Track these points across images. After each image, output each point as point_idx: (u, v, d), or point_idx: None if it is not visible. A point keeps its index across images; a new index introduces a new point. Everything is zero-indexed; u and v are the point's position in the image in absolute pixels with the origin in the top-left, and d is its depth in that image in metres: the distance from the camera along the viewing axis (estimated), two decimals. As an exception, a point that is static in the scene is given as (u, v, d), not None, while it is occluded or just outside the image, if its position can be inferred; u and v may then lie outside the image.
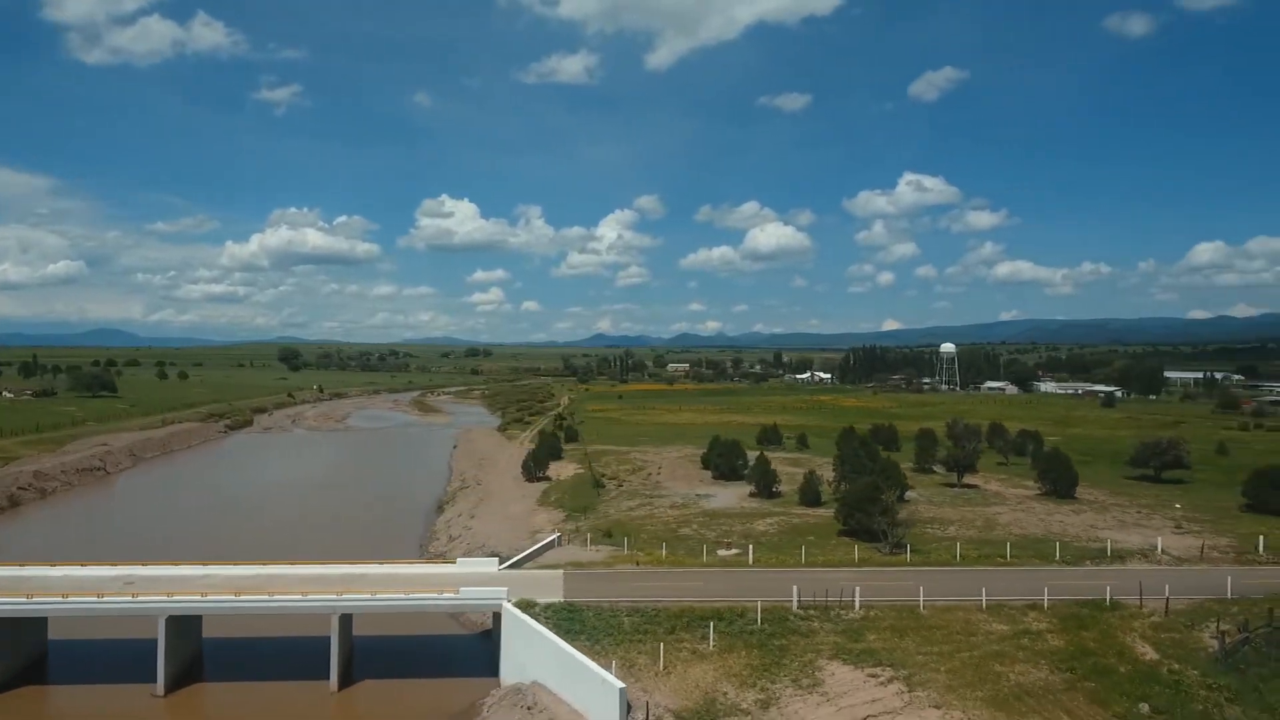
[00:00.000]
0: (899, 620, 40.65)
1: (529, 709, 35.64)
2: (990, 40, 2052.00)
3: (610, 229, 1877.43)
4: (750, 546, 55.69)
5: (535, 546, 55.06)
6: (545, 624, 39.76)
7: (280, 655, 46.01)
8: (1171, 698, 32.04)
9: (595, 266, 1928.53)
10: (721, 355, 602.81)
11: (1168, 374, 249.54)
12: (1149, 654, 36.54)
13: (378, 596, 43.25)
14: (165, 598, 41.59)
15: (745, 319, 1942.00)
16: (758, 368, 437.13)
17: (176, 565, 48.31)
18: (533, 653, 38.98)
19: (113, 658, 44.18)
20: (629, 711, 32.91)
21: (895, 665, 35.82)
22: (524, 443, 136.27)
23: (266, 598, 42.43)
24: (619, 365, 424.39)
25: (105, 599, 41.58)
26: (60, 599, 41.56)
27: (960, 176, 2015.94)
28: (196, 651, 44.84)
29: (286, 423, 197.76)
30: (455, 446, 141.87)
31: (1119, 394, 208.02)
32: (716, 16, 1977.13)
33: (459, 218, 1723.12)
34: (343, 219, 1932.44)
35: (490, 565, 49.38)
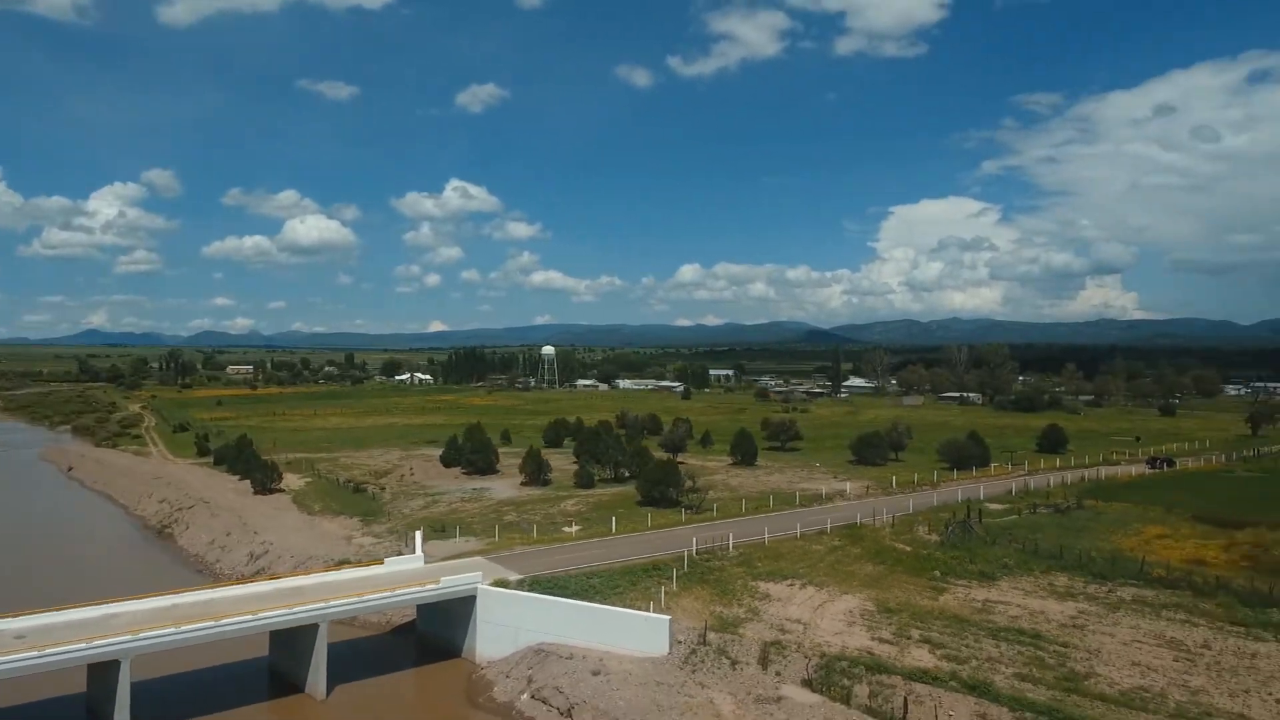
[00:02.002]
0: (762, 553, 56.70)
1: (566, 658, 42.65)
2: (529, 65, 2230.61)
3: (107, 204, 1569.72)
4: (577, 524, 66.62)
5: (419, 543, 57.89)
6: (543, 593, 46.41)
7: (224, 682, 43.38)
8: (940, 565, 53.66)
9: (85, 248, 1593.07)
10: (263, 356, 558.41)
11: (712, 373, 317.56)
12: (904, 547, 58.55)
13: (363, 599, 44.32)
14: (130, 636, 37.19)
15: (283, 317, 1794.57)
16: (330, 369, 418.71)
17: (62, 610, 40.97)
18: (536, 618, 45.22)
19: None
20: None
21: (793, 577, 51.67)
22: (168, 456, 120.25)
23: (251, 617, 40.58)
24: (170, 368, 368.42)
25: (41, 652, 35.44)
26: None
27: (502, 188, 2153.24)
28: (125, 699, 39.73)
29: None
30: (71, 469, 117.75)
31: (680, 388, 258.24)
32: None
33: None
34: None
35: (417, 561, 52.09)
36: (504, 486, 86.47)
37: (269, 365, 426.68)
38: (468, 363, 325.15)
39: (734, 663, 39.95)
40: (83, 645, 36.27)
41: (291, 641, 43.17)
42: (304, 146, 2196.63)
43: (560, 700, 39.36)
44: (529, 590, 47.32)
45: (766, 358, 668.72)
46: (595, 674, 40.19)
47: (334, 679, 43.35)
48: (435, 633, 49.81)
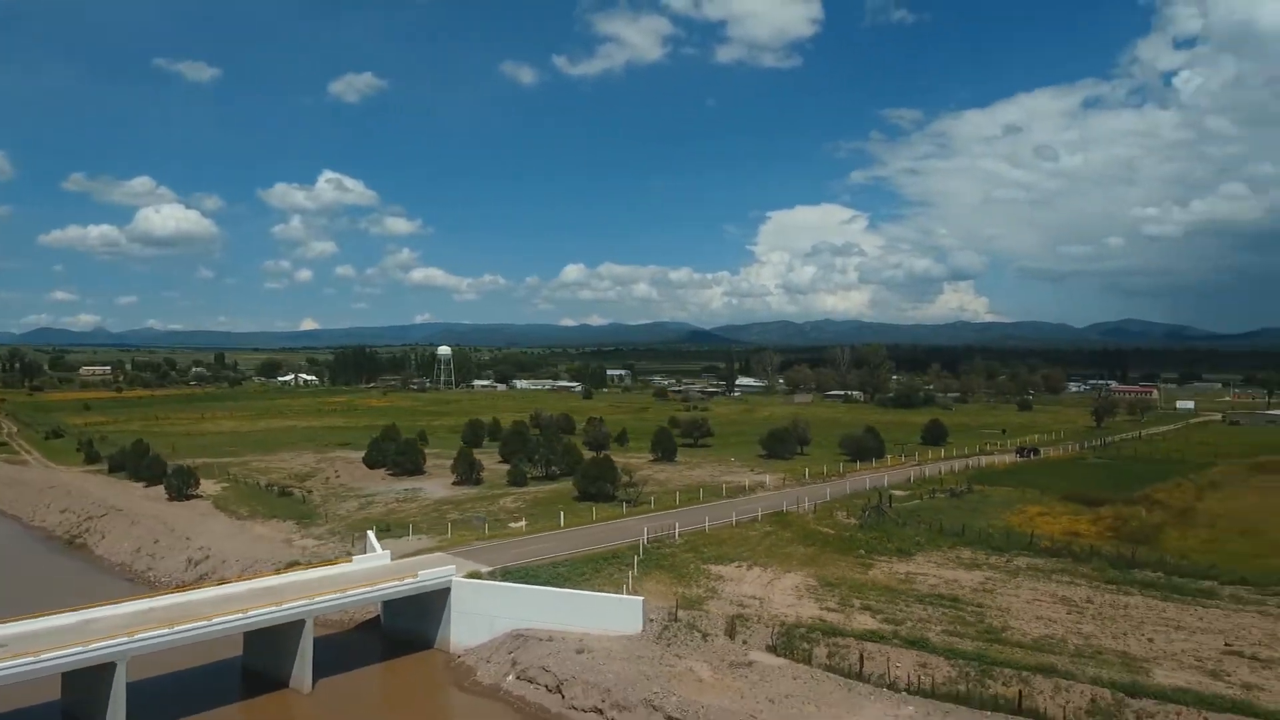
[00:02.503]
0: (705, 540, 61.52)
1: (546, 640, 45.79)
2: (410, 56, 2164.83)
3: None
4: (523, 519, 69.58)
5: (375, 542, 59.08)
6: (515, 582, 49.29)
7: (200, 682, 43.88)
8: (863, 545, 60.17)
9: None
10: (117, 355, 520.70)
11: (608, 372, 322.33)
12: (829, 530, 64.93)
13: (347, 594, 45.78)
14: (126, 638, 37.54)
15: (134, 313, 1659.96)
16: (199, 369, 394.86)
17: (36, 618, 40.31)
18: (512, 606, 48.04)
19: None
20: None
21: (739, 560, 56.73)
22: (49, 464, 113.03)
23: (241, 615, 41.46)
24: (13, 369, 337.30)
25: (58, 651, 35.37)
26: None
27: (379, 181, 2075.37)
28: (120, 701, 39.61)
29: None
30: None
31: (579, 388, 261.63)
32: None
33: None
34: None
35: (384, 558, 53.62)
36: (435, 486, 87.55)
37: (129, 366, 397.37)
38: (356, 363, 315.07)
39: (704, 635, 44.43)
40: (79, 648, 36.46)
41: (272, 639, 44.07)
42: (160, 130, 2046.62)
43: (548, 678, 42.51)
44: (501, 581, 50.07)
45: (652, 358, 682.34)
46: (579, 652, 43.62)
47: (315, 673, 44.74)
48: (403, 626, 51.48)
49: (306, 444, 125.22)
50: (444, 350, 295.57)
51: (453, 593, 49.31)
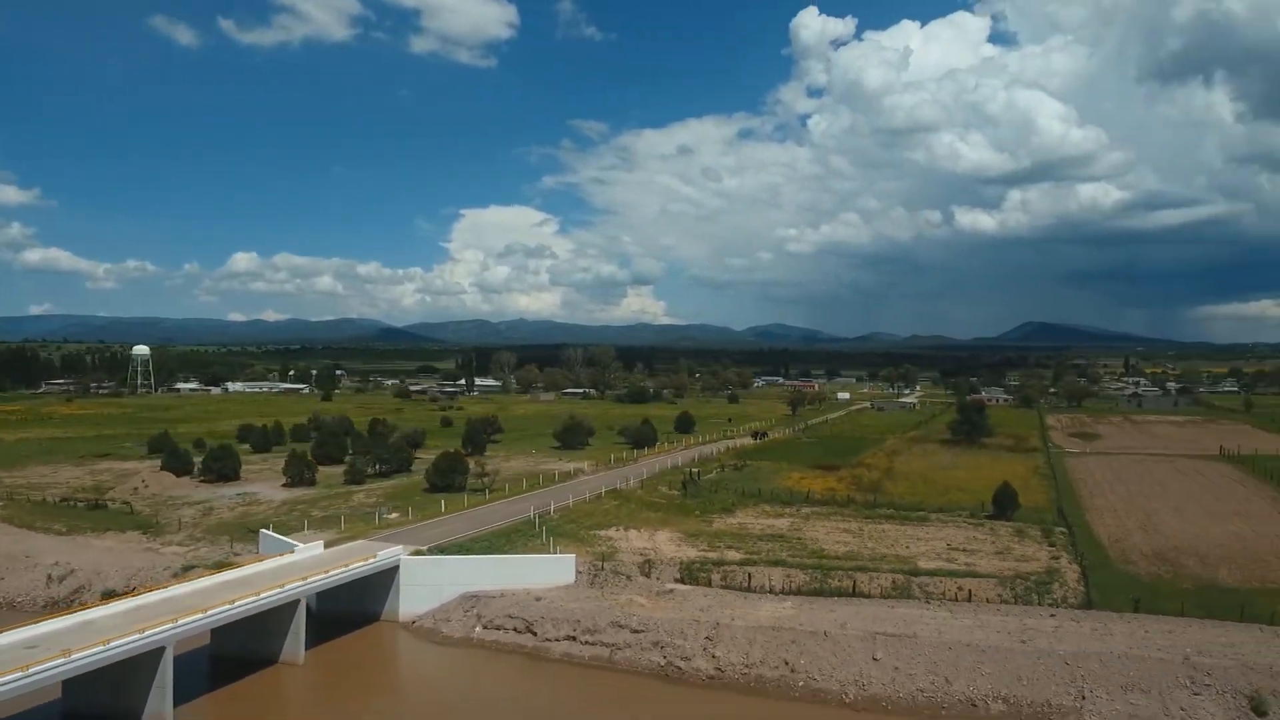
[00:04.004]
0: (574, 514, 74.36)
1: (499, 597, 55.83)
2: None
3: None
4: (393, 511, 76.88)
5: (283, 539, 62.78)
6: (452, 556, 58.38)
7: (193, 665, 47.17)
8: (695, 507, 77.46)
9: None
10: None
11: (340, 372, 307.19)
12: (660, 499, 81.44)
13: (331, 574, 51.53)
14: (171, 624, 41.05)
15: None
16: None
17: (39, 622, 41.06)
18: (458, 574, 56.96)
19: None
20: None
21: (613, 525, 70.58)
22: None
23: (254, 598, 45.90)
24: None
25: (106, 646, 38.15)
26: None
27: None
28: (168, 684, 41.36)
29: None
30: None
31: (307, 389, 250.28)
32: None
33: None
34: None
35: (318, 548, 58.59)
36: (268, 489, 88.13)
37: None
38: (13, 366, 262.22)
39: (627, 577, 58.07)
40: (135, 636, 39.48)
41: (263, 622, 48.48)
42: None
43: (516, 623, 53.04)
44: (441, 555, 58.73)
45: (339, 356, 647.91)
46: (538, 600, 54.74)
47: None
48: (342, 607, 57.06)
49: (46, 457, 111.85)
50: (141, 350, 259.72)
51: (401, 569, 56.78)
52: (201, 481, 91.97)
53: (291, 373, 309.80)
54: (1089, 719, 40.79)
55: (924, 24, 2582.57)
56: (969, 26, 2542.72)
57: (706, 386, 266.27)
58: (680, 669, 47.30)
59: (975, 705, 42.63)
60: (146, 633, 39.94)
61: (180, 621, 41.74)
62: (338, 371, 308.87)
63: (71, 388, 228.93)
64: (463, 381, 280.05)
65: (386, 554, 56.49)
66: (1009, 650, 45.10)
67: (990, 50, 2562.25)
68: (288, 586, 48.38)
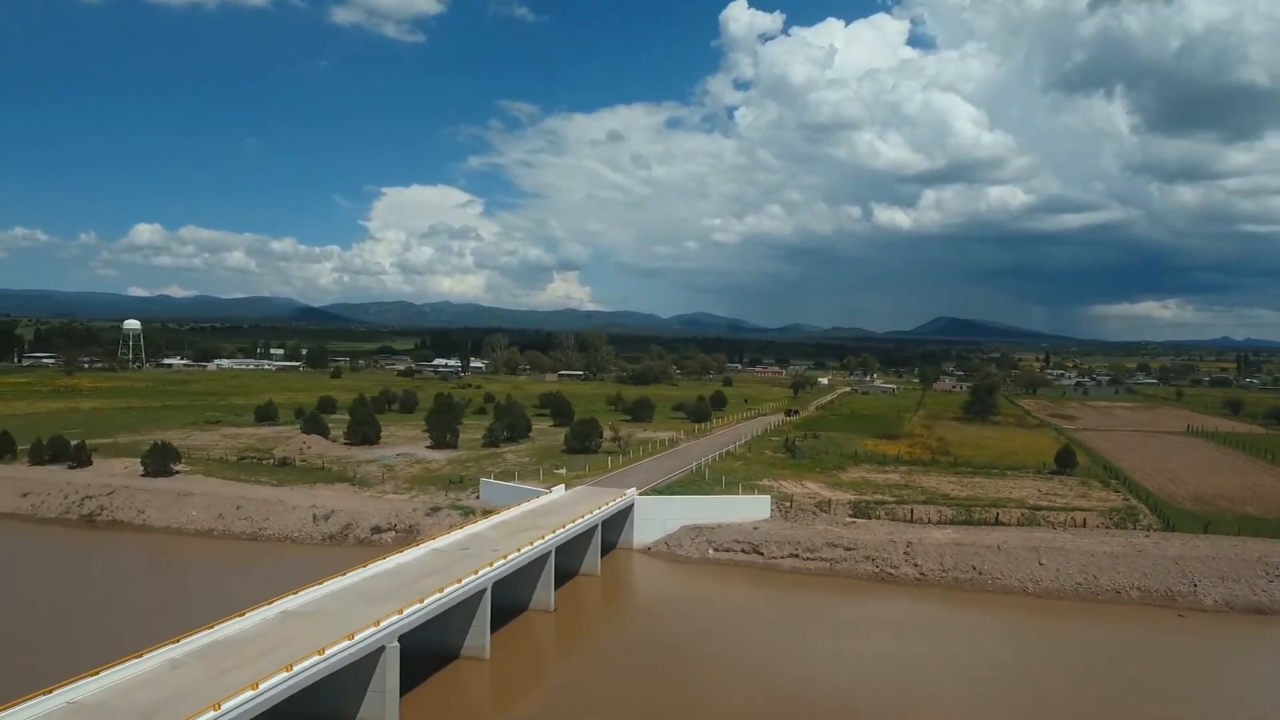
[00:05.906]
0: (721, 469, 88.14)
1: (719, 527, 69.44)
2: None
3: None
4: (564, 468, 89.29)
5: (525, 486, 74.39)
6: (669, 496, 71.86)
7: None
8: (805, 466, 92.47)
9: None
10: None
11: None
12: (778, 458, 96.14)
13: (608, 506, 64.13)
14: (397, 616, 36.92)
15: None
16: None
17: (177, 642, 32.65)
18: (681, 511, 70.11)
19: None
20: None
21: (763, 477, 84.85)
22: None
23: (458, 585, 42.32)
24: None
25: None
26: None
27: None
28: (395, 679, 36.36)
29: None
30: None
31: (302, 367, 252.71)
32: None
33: None
34: None
35: (559, 491, 70.75)
36: (420, 450, 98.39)
37: None
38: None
39: (812, 514, 72.75)
40: (372, 630, 35.29)
41: (577, 541, 60.25)
42: None
43: (744, 546, 67.01)
44: (656, 496, 72.07)
45: (255, 335, 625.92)
46: (755, 528, 68.84)
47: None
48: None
49: (136, 427, 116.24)
50: (132, 324, 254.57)
51: (636, 506, 69.76)
52: (348, 444, 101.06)
53: (280, 351, 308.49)
54: (1203, 598, 58.03)
55: (848, 23, 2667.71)
56: (889, 29, 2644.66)
57: (688, 372, 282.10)
58: (892, 574, 62.47)
59: (1119, 592, 59.33)
60: (384, 625, 35.95)
61: (567, 526, 54.10)
62: (342, 357, 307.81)
63: (63, 362, 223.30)
64: (456, 362, 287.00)
65: (630, 494, 69.40)
66: (1132, 556, 62.08)
67: (909, 53, 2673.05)
68: (604, 508, 61.47)
